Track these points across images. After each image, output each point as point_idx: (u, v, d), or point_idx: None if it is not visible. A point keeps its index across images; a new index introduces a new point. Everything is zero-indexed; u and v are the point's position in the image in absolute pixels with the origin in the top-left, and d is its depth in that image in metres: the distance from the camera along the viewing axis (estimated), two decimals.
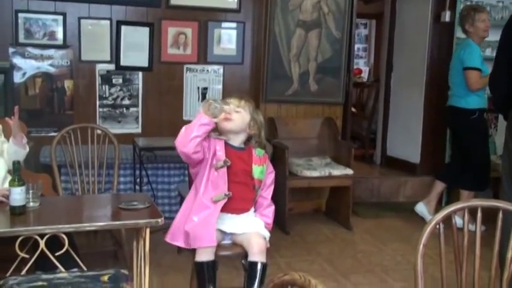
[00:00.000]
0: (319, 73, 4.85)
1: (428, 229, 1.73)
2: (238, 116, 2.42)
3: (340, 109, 5.01)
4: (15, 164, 2.21)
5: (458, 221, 1.81)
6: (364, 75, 9.19)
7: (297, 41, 4.76)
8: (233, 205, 2.45)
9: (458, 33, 4.96)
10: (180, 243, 2.44)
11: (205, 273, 2.36)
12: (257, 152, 2.50)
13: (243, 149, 2.49)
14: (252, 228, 2.47)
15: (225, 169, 2.40)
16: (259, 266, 2.38)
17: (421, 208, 4.64)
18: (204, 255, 2.36)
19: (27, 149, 2.70)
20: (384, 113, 6.06)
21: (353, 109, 6.05)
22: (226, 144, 2.45)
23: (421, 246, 1.72)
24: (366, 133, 6.71)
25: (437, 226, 1.74)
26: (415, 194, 5.34)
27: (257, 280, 2.35)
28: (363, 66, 9.48)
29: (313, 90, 4.86)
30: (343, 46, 4.89)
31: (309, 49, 4.80)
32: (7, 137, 2.68)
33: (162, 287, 3.22)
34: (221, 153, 2.40)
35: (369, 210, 5.01)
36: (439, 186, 4.63)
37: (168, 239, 2.49)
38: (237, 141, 2.47)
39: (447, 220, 1.75)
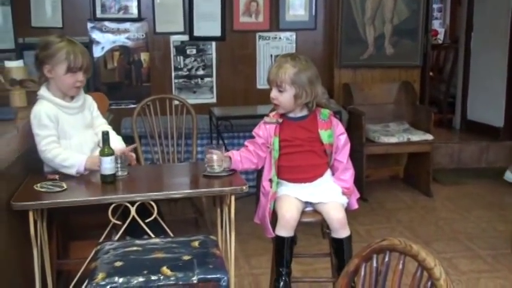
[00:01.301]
0: (395, 35, 4.68)
1: None
2: (283, 96, 2.34)
3: (418, 72, 4.83)
4: (105, 134, 2.28)
5: None
6: (440, 37, 8.78)
7: (372, 3, 4.60)
8: (304, 174, 2.41)
9: None
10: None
11: (284, 248, 2.34)
12: (322, 116, 2.41)
13: (305, 118, 2.41)
14: (328, 197, 2.39)
15: (270, 153, 2.40)
16: (344, 241, 2.36)
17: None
18: (284, 231, 2.34)
19: None
20: (464, 75, 5.78)
21: (430, 73, 5.81)
22: (286, 118, 2.40)
23: None
24: (443, 97, 6.44)
25: None
26: (498, 159, 5.10)
27: (345, 254, 2.34)
28: (438, 27, 9.04)
29: (389, 54, 4.70)
30: (420, 6, 4.68)
31: (384, 11, 4.63)
32: (100, 110, 2.72)
33: (244, 255, 3.28)
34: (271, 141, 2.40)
35: (449, 176, 4.84)
36: None
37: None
38: (297, 113, 2.41)
39: None
